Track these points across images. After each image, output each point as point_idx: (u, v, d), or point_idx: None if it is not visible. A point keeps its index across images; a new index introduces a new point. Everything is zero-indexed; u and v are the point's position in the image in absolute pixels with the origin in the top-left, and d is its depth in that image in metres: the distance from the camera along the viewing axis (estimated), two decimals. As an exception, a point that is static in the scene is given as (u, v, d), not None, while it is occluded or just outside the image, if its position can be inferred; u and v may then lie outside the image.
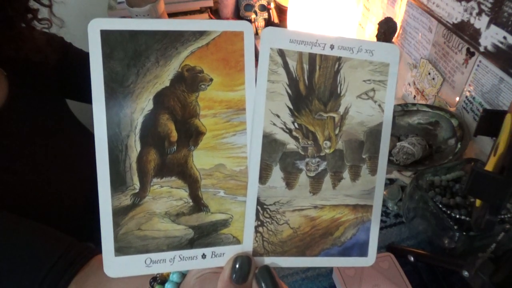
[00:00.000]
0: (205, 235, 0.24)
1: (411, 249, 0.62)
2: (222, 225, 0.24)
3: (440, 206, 0.60)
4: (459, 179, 0.65)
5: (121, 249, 0.23)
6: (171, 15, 1.15)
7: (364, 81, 0.26)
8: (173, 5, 1.17)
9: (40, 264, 0.48)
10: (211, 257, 0.24)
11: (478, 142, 0.73)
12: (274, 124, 0.24)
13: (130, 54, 0.22)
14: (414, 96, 0.92)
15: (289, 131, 0.25)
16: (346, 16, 0.93)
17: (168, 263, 0.24)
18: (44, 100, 0.73)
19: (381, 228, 0.70)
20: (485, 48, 0.65)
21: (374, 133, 0.26)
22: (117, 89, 0.23)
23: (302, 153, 0.25)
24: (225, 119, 0.23)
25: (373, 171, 0.26)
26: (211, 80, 0.23)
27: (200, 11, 1.24)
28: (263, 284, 0.24)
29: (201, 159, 0.23)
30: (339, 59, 0.25)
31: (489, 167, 0.46)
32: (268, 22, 1.28)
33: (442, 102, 0.81)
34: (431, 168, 0.67)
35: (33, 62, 0.70)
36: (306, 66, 0.25)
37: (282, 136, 0.25)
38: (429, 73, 0.84)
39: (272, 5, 1.26)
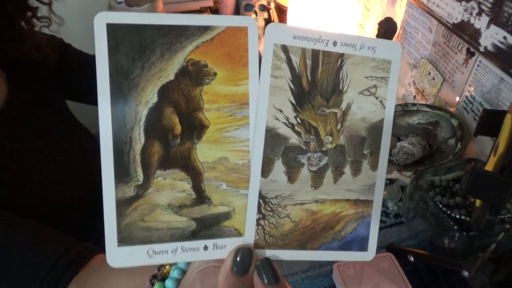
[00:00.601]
0: (207, 227, 0.24)
1: (411, 249, 0.62)
2: (224, 218, 0.24)
3: (440, 206, 0.60)
4: (459, 179, 0.65)
5: (124, 240, 0.23)
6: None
7: (366, 77, 0.26)
8: (173, 5, 1.17)
9: (40, 264, 0.48)
10: (213, 248, 0.24)
11: (478, 142, 0.73)
12: (277, 119, 0.25)
13: (135, 48, 0.23)
14: (414, 96, 0.92)
15: (292, 126, 0.25)
16: (346, 16, 0.93)
17: (170, 254, 0.24)
18: (44, 101, 0.73)
19: (381, 228, 0.70)
20: (485, 48, 0.65)
21: (376, 129, 0.26)
22: (122, 82, 0.23)
23: (304, 147, 0.26)
24: (229, 113, 0.24)
25: (374, 166, 0.27)
26: (215, 74, 0.23)
27: (200, 11, 1.24)
28: (264, 276, 0.24)
29: (204, 152, 0.24)
30: (341, 55, 0.25)
31: (489, 167, 0.46)
32: (268, 22, 1.28)
33: (442, 102, 0.81)
34: (431, 168, 0.67)
35: (33, 62, 0.70)
36: (309, 62, 0.25)
37: (284, 130, 0.25)
38: (429, 73, 0.84)
39: (272, 5, 1.26)
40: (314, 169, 0.26)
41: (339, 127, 0.26)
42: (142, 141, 0.23)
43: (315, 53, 0.25)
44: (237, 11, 1.29)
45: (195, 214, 0.24)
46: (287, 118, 0.25)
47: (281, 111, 0.25)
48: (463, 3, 0.68)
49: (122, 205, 0.23)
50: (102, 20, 0.22)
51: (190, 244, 0.24)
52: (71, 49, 0.84)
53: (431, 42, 0.82)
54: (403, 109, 0.82)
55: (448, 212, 0.59)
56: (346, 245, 0.27)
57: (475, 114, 0.73)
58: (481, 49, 0.66)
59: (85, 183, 0.74)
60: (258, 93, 0.24)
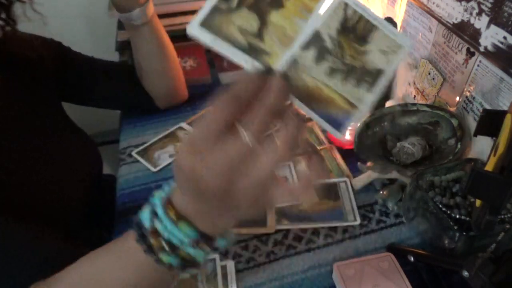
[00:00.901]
0: (254, 52, 0.36)
1: (411, 249, 0.62)
2: (266, 54, 0.36)
3: (440, 206, 0.60)
4: (459, 179, 0.65)
5: (204, 24, 0.35)
6: (168, 15, 1.14)
7: (386, 45, 0.38)
8: (171, 6, 1.17)
9: (37, 265, 0.48)
10: (252, 62, 0.36)
11: (478, 142, 0.73)
12: (324, 28, 0.37)
13: None
14: (414, 96, 0.92)
15: (330, 38, 0.37)
16: (346, 16, 0.93)
17: (226, 47, 0.35)
18: (42, 101, 0.73)
19: (381, 228, 0.70)
20: (485, 48, 0.65)
21: (381, 72, 0.38)
22: None
23: (332, 52, 0.37)
24: (298, 10, 0.37)
25: (369, 90, 0.37)
26: None
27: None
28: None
29: (276, 18, 0.37)
30: (375, 26, 0.38)
31: (489, 167, 0.46)
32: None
33: (442, 102, 0.81)
34: (431, 168, 0.67)
35: (30, 63, 0.70)
36: (355, 18, 0.38)
37: (325, 37, 0.37)
38: (429, 73, 0.84)
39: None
40: (333, 66, 0.37)
41: (359, 56, 0.38)
42: None
43: (361, 16, 0.38)
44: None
45: (250, 40, 0.36)
46: (329, 32, 0.37)
47: (328, 27, 0.37)
48: (463, 3, 0.68)
49: (215, 10, 0.36)
50: None
51: (241, 53, 0.36)
52: (69, 52, 0.84)
53: (431, 42, 0.82)
54: (403, 109, 0.82)
55: (448, 212, 0.59)
56: (329, 119, 0.37)
57: (475, 114, 0.73)
58: (481, 49, 0.66)
59: (83, 183, 0.74)
60: (321, 11, 0.37)
